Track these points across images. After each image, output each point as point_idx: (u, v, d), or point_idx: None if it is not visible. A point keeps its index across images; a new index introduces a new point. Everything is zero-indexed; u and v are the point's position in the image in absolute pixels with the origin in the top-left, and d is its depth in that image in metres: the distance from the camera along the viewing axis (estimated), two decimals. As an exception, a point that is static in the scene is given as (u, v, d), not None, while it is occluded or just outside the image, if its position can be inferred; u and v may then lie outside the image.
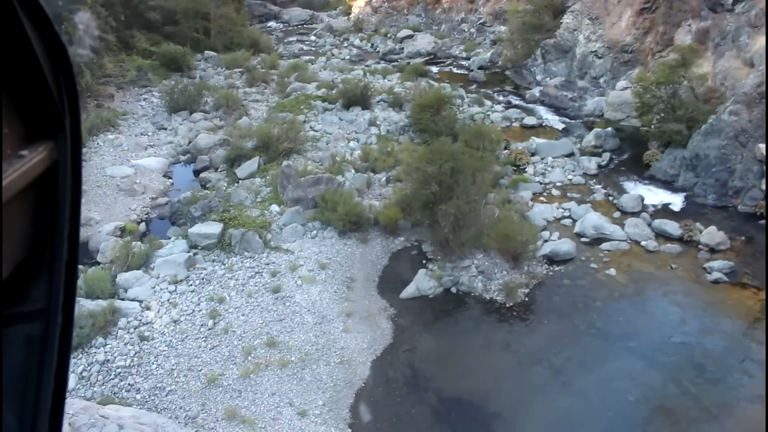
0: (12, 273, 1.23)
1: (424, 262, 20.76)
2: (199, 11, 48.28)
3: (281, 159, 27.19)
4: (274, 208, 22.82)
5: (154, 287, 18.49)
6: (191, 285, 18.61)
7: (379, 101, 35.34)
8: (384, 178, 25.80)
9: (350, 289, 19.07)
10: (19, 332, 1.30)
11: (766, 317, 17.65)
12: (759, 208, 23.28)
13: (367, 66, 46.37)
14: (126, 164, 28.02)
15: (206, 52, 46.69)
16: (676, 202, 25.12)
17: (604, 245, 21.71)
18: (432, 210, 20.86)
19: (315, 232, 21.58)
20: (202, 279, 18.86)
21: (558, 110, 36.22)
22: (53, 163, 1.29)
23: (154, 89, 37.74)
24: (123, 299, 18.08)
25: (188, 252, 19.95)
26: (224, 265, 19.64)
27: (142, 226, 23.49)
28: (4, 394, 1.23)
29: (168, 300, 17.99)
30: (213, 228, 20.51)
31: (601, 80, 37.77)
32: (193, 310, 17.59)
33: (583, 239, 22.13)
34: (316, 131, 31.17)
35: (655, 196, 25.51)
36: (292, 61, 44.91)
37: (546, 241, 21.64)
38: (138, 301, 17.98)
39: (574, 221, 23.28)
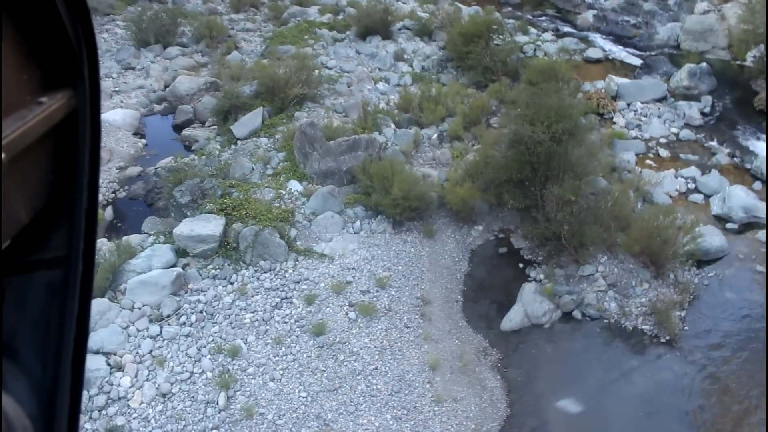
0: (33, 220, 1.19)
1: (521, 266, 14.37)
2: None
3: (292, 109, 20.24)
4: (294, 185, 15.99)
5: (127, 328, 11.89)
6: (185, 324, 11.99)
7: (401, 29, 28.07)
8: (435, 135, 18.98)
9: (426, 318, 12.63)
10: (40, 278, 1.27)
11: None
12: None
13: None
14: (81, 118, 20.76)
15: (178, -31, 38.21)
16: (823, 164, 18.84)
17: (761, 235, 15.49)
18: (527, 189, 14.41)
19: (358, 223, 14.84)
20: (201, 312, 12.22)
21: (620, 39, 29.09)
22: (72, 111, 1.24)
23: (119, 18, 29.84)
24: (79, 348, 11.55)
25: (175, 264, 13.26)
26: (232, 285, 12.99)
27: (108, 212, 16.68)
28: (27, 338, 1.22)
29: (150, 353, 11.43)
30: (211, 226, 13.67)
31: (671, 1, 30.74)
32: (192, 373, 11.06)
33: (728, 225, 15.88)
34: (330, 69, 24.02)
35: (793, 156, 19.17)
36: (284, -20, 36.75)
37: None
38: (104, 353, 11.45)
39: (706, 197, 16.94)
